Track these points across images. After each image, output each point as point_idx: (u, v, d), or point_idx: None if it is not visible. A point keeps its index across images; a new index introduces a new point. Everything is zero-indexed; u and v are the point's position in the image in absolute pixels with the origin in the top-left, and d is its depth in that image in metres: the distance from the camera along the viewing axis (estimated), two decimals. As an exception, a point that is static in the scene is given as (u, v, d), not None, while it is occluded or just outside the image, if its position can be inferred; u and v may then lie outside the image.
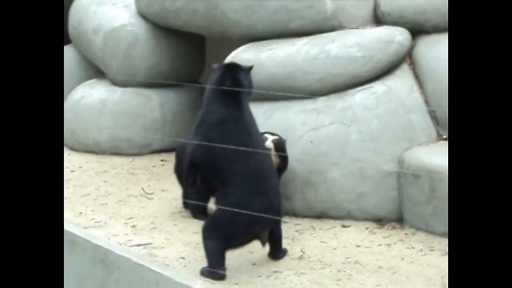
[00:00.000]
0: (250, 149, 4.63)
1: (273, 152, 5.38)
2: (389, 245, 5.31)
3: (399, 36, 6.11)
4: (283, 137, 5.67)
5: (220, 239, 4.57)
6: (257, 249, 4.96)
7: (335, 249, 5.21)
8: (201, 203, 5.66)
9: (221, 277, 4.57)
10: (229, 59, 6.43)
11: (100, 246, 5.30)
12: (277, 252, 4.97)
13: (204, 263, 4.71)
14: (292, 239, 5.34)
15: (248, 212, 4.43)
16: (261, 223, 4.62)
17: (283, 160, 5.58)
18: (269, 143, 5.43)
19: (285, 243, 5.10)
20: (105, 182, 6.85)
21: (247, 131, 4.79)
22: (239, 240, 4.65)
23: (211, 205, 5.47)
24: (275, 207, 4.71)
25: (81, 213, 6.01)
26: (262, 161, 4.76)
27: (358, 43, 5.97)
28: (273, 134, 5.64)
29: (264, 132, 5.52)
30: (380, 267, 4.92)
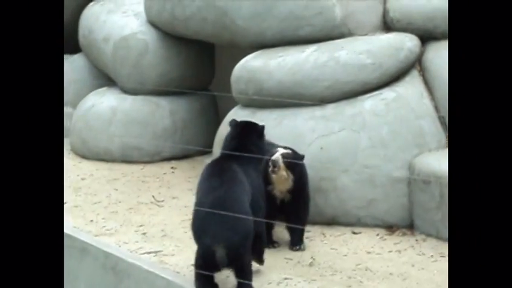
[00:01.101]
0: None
1: (281, 165, 5.17)
2: (399, 251, 5.30)
3: (408, 42, 6.12)
4: (300, 151, 5.42)
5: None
6: (267, 256, 4.96)
7: (345, 255, 5.21)
8: None
9: None
10: (238, 66, 6.45)
11: (111, 254, 5.33)
12: None
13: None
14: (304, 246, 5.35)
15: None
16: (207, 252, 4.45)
17: (297, 174, 5.30)
18: (277, 156, 5.18)
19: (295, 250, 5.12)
20: (116, 189, 6.87)
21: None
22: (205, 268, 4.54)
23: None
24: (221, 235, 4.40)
25: (92, 220, 6.03)
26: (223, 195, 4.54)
27: (368, 50, 5.98)
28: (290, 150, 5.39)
29: (280, 147, 5.39)
30: (391, 273, 4.92)
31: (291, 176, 5.25)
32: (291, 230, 5.36)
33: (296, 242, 5.33)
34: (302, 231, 5.36)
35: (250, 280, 4.54)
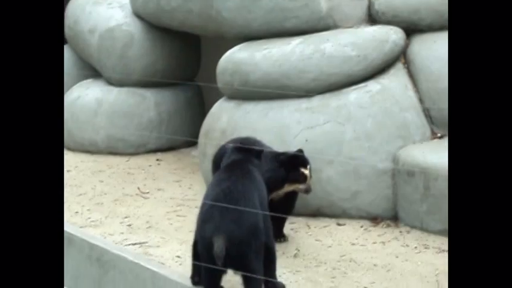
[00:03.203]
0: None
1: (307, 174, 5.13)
2: (384, 242, 5.33)
3: (393, 35, 6.14)
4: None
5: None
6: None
7: (330, 247, 5.23)
8: None
9: None
10: (224, 58, 6.45)
11: (96, 245, 5.33)
12: None
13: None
14: (287, 237, 5.37)
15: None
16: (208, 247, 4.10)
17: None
18: (307, 170, 5.16)
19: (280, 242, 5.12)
20: (101, 181, 6.87)
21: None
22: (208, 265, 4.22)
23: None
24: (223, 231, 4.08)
25: (77, 212, 6.02)
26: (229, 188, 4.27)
27: (353, 42, 5.99)
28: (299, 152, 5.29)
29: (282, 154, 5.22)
30: (375, 265, 4.95)
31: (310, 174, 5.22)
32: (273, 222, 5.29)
33: (277, 234, 5.12)
34: (282, 225, 5.34)
35: None
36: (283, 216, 5.27)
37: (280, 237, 5.30)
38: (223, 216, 4.07)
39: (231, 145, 4.92)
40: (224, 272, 4.17)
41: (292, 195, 5.30)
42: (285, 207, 5.25)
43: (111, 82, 7.91)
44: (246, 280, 4.13)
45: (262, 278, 4.18)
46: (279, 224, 5.24)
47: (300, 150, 5.28)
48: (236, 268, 4.11)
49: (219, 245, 3.99)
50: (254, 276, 4.10)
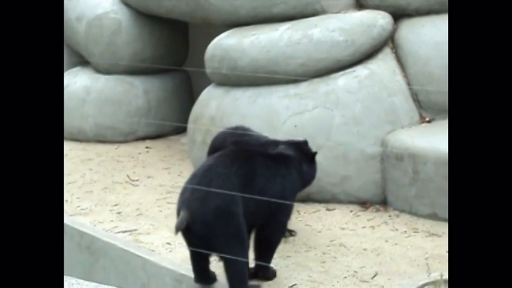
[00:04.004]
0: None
1: None
2: (373, 227, 5.35)
3: (381, 20, 6.14)
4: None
5: None
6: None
7: (320, 232, 5.25)
8: None
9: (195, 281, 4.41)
10: (212, 45, 6.43)
11: (86, 233, 5.34)
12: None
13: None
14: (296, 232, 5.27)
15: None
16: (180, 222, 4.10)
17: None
18: None
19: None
20: (90, 169, 6.86)
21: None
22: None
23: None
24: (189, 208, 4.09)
25: (66, 200, 6.01)
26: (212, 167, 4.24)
27: (341, 27, 5.99)
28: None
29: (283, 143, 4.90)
30: (364, 249, 4.97)
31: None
32: None
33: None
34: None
35: (237, 280, 4.14)
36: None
37: (290, 231, 5.13)
38: (192, 193, 4.10)
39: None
40: (209, 254, 4.18)
41: None
42: None
43: (99, 70, 7.89)
44: (224, 263, 4.15)
45: (250, 261, 4.18)
46: None
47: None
48: (207, 249, 4.11)
49: (181, 218, 4.03)
50: (230, 261, 4.08)
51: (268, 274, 4.50)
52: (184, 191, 4.20)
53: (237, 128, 5.24)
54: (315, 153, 4.82)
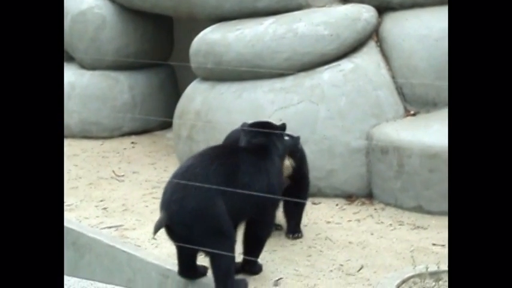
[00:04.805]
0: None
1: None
2: (359, 220, 5.37)
3: (365, 13, 6.15)
4: (296, 134, 5.08)
5: None
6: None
7: (305, 226, 5.26)
8: None
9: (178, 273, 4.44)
10: (197, 39, 6.42)
11: (71, 229, 5.32)
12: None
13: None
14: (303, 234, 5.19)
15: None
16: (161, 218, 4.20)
17: (298, 161, 4.95)
18: None
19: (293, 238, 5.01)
20: (76, 165, 6.84)
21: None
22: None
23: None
24: (168, 209, 4.15)
25: (52, 197, 5.99)
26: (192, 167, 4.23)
27: (325, 21, 5.99)
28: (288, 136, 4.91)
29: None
30: (350, 242, 4.98)
31: (292, 163, 4.90)
32: (288, 217, 5.08)
33: (294, 229, 5.07)
34: (300, 218, 5.11)
35: (221, 282, 4.15)
36: (299, 205, 4.99)
37: (297, 232, 5.06)
38: (171, 195, 4.14)
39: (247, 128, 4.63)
40: (194, 250, 4.18)
41: (299, 181, 4.99)
42: (296, 196, 4.88)
43: (83, 65, 7.86)
44: (209, 259, 4.18)
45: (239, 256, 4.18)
46: (295, 215, 5.05)
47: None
48: (191, 246, 4.13)
49: (159, 220, 4.13)
50: (215, 260, 4.12)
51: (255, 269, 4.51)
52: (165, 191, 4.23)
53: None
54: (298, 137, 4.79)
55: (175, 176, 4.24)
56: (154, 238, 4.39)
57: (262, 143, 4.51)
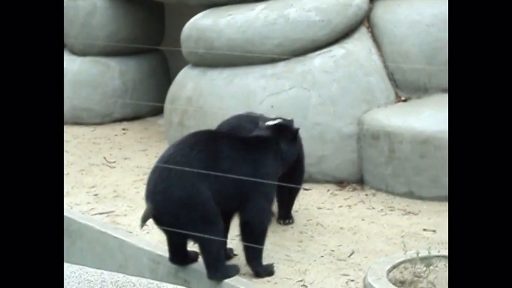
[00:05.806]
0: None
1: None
2: (350, 206, 5.38)
3: (357, -1, 6.13)
4: (251, 110, 5.12)
5: None
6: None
7: (297, 211, 5.27)
8: None
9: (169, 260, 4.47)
10: (188, 25, 6.40)
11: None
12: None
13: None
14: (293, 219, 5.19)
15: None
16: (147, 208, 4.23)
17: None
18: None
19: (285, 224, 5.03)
20: (67, 151, 6.82)
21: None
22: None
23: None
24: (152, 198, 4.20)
25: (43, 183, 5.98)
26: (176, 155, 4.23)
27: (316, 7, 5.98)
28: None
29: (271, 119, 4.75)
30: (341, 228, 5.00)
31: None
32: (280, 203, 5.06)
33: (285, 215, 5.09)
34: (292, 204, 5.12)
35: (212, 268, 4.21)
36: (292, 190, 4.95)
37: (288, 218, 5.08)
38: (155, 185, 4.17)
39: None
40: (184, 237, 4.18)
41: (294, 168, 4.84)
42: (289, 183, 4.80)
43: (74, 51, 7.82)
44: (198, 246, 4.23)
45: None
46: (287, 202, 5.06)
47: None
48: (179, 234, 4.14)
49: (145, 211, 4.17)
50: (205, 249, 4.17)
51: (257, 269, 4.34)
52: (149, 182, 4.25)
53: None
54: (297, 130, 4.72)
55: (157, 166, 4.23)
56: (142, 229, 4.43)
57: (263, 135, 4.50)
